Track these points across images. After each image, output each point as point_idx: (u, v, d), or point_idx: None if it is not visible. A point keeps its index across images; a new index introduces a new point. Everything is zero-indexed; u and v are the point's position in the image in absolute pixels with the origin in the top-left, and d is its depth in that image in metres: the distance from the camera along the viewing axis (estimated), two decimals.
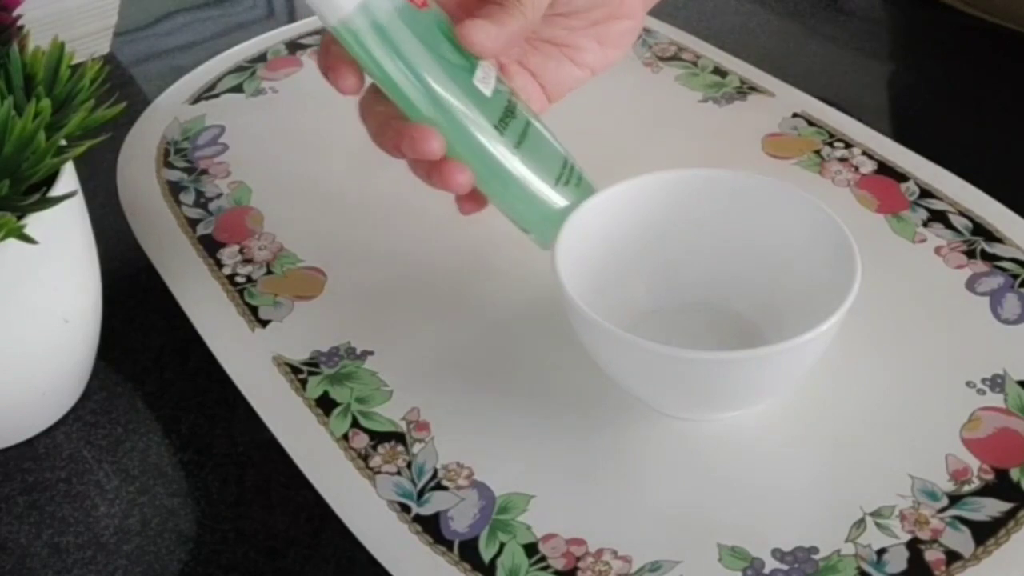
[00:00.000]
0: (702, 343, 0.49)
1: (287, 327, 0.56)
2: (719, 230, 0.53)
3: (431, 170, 0.49)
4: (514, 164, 0.50)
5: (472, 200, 0.51)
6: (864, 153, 0.64)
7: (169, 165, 0.67)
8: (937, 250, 0.58)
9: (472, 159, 0.49)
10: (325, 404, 0.52)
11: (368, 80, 0.48)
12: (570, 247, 0.49)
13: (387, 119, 0.48)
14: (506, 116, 0.49)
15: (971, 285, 0.56)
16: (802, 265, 0.51)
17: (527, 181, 0.50)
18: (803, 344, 0.45)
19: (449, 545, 0.46)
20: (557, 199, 0.51)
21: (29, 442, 0.54)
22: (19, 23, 0.50)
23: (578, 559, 0.45)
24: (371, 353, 0.54)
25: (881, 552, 0.45)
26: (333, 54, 0.48)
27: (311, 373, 0.54)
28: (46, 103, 0.46)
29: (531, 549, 0.46)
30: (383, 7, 0.46)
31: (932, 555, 0.44)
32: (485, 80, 0.48)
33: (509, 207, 0.51)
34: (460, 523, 0.47)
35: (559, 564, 0.45)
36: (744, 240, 0.53)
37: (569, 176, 0.52)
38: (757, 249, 0.53)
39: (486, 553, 0.46)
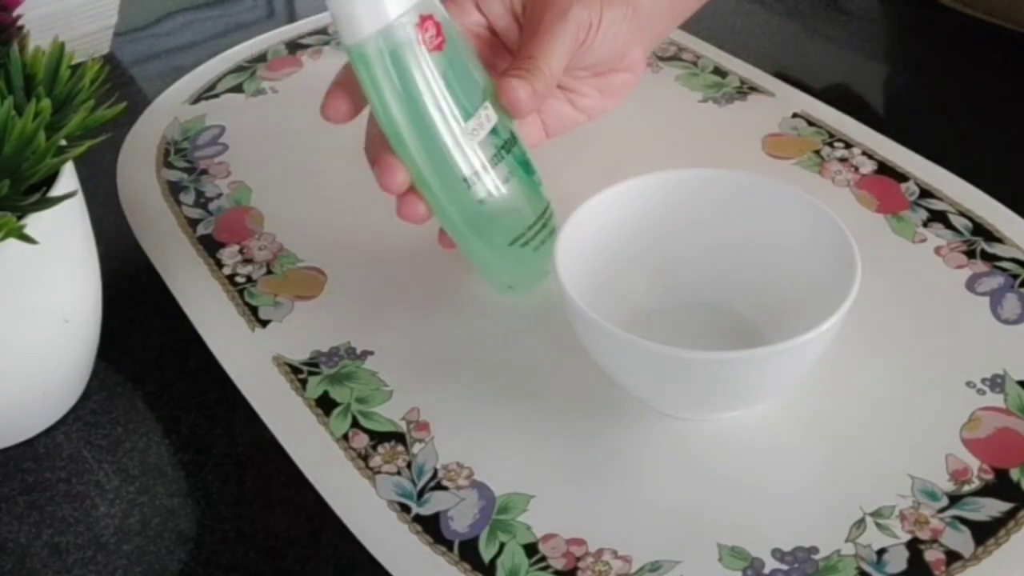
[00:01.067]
0: (702, 343, 0.49)
1: (287, 327, 0.56)
2: (719, 230, 0.53)
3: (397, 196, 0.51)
4: (469, 218, 0.51)
5: (410, 207, 0.52)
6: (864, 153, 0.64)
7: (169, 165, 0.67)
8: (937, 250, 0.58)
9: (430, 201, 0.51)
10: (325, 404, 0.52)
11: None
12: (570, 247, 0.49)
13: (376, 134, 0.51)
14: (480, 171, 0.50)
15: (971, 285, 0.56)
16: (802, 265, 0.51)
17: (478, 236, 0.52)
18: (803, 344, 0.45)
19: (449, 545, 0.46)
20: (504, 259, 0.53)
21: (29, 442, 0.54)
22: (19, 23, 0.50)
23: (578, 559, 0.45)
24: (371, 353, 0.54)
25: (881, 552, 0.45)
26: (340, 78, 0.51)
27: (311, 373, 0.54)
28: (46, 103, 0.46)
29: (531, 549, 0.46)
30: (395, 42, 0.47)
31: (932, 555, 0.44)
32: (475, 132, 0.49)
33: (462, 248, 0.53)
34: (460, 523, 0.47)
35: (559, 564, 0.45)
36: (744, 240, 0.53)
37: (530, 239, 0.53)
38: (757, 249, 0.53)
39: (486, 553, 0.46)
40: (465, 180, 0.50)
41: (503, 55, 0.54)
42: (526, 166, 0.52)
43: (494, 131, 0.50)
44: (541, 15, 0.51)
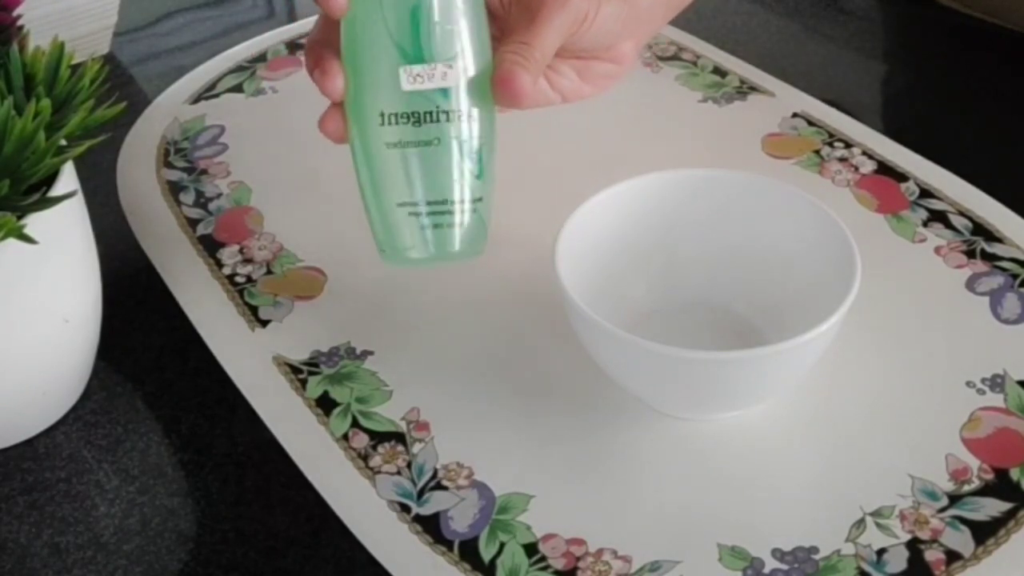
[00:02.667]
0: (702, 343, 0.49)
1: (287, 327, 0.56)
2: (719, 230, 0.53)
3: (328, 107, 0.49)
4: (369, 155, 0.48)
5: (334, 122, 0.49)
6: (864, 153, 0.64)
7: (169, 165, 0.67)
8: (937, 250, 0.58)
9: (348, 118, 0.48)
10: (325, 404, 0.52)
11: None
12: (570, 247, 0.49)
13: (328, 38, 0.48)
14: (402, 117, 0.47)
15: (971, 285, 0.56)
16: (802, 265, 0.51)
17: (369, 178, 0.48)
18: (803, 344, 0.45)
19: (449, 545, 0.46)
20: (385, 217, 0.48)
21: (29, 442, 0.54)
22: (19, 23, 0.50)
23: (578, 559, 0.45)
24: (371, 353, 0.54)
25: (881, 552, 0.45)
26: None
27: (311, 373, 0.54)
28: (46, 103, 0.46)
29: (531, 549, 0.46)
30: None
31: (932, 555, 0.44)
32: (418, 78, 0.47)
33: (358, 183, 0.49)
34: (460, 523, 0.47)
35: (559, 564, 0.45)
36: (744, 240, 0.53)
37: (423, 213, 0.48)
38: (757, 249, 0.53)
39: (486, 553, 0.46)
40: (381, 115, 0.47)
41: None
42: (463, 149, 0.48)
43: (443, 93, 0.47)
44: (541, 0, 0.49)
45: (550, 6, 0.48)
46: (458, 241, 0.48)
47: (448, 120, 0.48)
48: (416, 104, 0.47)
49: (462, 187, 0.48)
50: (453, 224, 0.48)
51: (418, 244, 0.48)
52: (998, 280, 0.56)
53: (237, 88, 0.74)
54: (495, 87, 0.47)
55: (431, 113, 0.47)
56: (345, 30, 0.47)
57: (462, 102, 0.48)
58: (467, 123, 0.48)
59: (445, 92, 0.47)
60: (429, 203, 0.48)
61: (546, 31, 0.48)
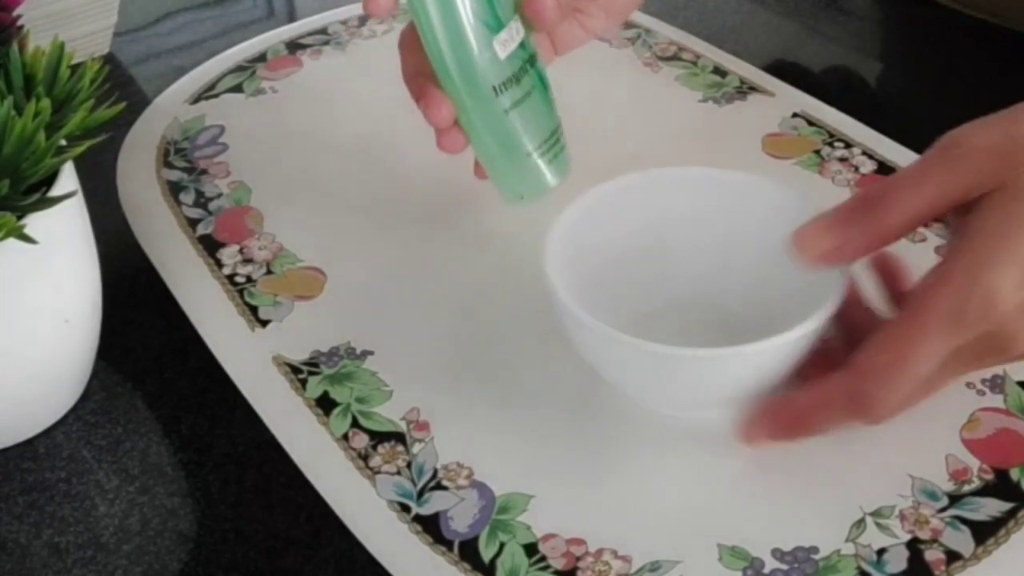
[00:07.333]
0: (696, 342, 0.49)
1: (287, 327, 0.56)
2: (716, 229, 0.53)
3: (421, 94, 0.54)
4: (493, 126, 0.54)
5: (451, 139, 0.54)
6: (864, 153, 0.64)
7: (169, 165, 0.67)
8: (937, 250, 0.58)
9: (458, 105, 0.53)
10: (325, 404, 0.52)
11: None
12: (566, 246, 0.49)
13: (419, 67, 0.53)
14: (508, 82, 0.53)
15: None
16: (799, 264, 0.51)
17: (500, 144, 0.55)
18: (798, 340, 0.45)
19: (449, 545, 0.46)
20: (520, 169, 0.56)
21: (29, 442, 0.54)
22: (19, 23, 0.50)
23: (578, 559, 0.45)
24: (371, 353, 0.54)
25: (881, 552, 0.45)
26: None
27: (311, 373, 0.54)
28: (46, 103, 0.46)
29: (531, 549, 0.46)
30: None
31: (932, 555, 0.44)
32: (506, 43, 0.52)
33: (480, 155, 0.56)
34: (460, 523, 0.47)
35: (559, 564, 0.45)
36: (741, 239, 0.53)
37: (546, 151, 0.55)
38: (754, 248, 0.53)
39: (486, 553, 0.46)
40: (494, 89, 0.52)
41: None
42: (544, 82, 0.55)
43: (521, 45, 0.53)
44: None
45: None
46: (567, 159, 0.57)
47: (532, 64, 0.54)
48: (512, 65, 0.53)
49: (554, 114, 0.56)
50: (564, 146, 0.56)
51: (547, 175, 0.56)
52: None
53: (237, 88, 0.74)
54: (527, 12, 0.52)
55: (522, 68, 0.53)
56: (431, 34, 0.51)
57: (529, 45, 0.54)
58: (538, 61, 0.55)
59: (521, 44, 0.53)
60: (546, 140, 0.55)
61: None
